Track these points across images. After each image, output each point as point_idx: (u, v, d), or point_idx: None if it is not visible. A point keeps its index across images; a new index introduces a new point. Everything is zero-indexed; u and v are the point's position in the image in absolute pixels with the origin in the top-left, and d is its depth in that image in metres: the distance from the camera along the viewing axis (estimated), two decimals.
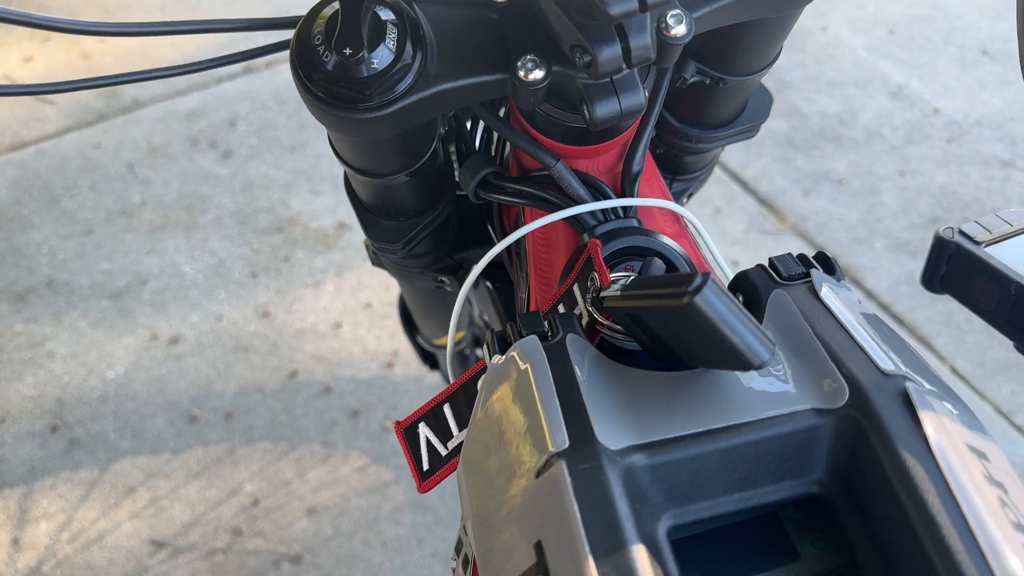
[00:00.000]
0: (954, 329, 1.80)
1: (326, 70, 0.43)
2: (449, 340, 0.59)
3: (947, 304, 1.83)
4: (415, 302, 0.92)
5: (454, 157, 0.63)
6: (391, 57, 0.43)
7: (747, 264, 1.94)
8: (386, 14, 0.43)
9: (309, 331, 1.77)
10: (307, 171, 2.05)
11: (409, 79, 0.43)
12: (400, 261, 0.67)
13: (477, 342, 1.28)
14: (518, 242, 0.59)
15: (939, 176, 2.11)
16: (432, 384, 1.69)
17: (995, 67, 2.40)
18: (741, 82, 0.57)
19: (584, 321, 0.47)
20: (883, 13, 2.58)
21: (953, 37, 2.49)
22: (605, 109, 0.44)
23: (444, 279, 0.72)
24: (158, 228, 1.95)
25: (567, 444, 0.36)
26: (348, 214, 1.97)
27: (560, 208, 0.52)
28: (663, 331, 0.39)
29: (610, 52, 0.40)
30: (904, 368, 0.38)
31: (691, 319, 0.35)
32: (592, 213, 0.51)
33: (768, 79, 2.40)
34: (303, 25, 0.44)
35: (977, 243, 0.64)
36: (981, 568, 0.31)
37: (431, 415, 0.54)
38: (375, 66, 0.42)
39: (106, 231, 1.94)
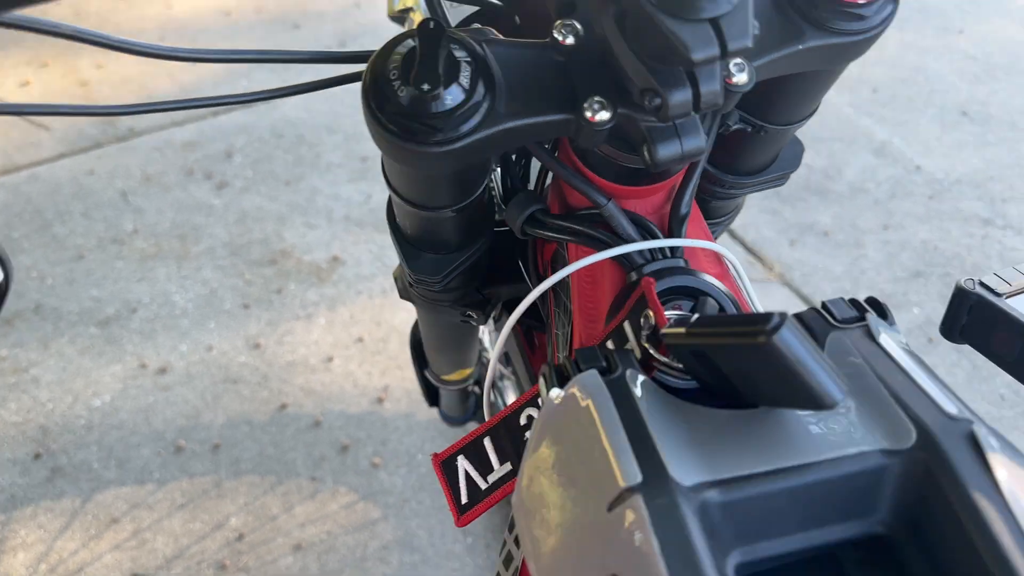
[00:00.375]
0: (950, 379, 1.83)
1: (399, 104, 0.44)
2: (489, 373, 0.59)
3: (942, 356, 1.87)
4: (434, 335, 0.92)
5: (493, 192, 0.65)
6: (463, 95, 0.44)
7: None
8: (460, 53, 0.45)
9: (300, 364, 1.76)
10: (302, 205, 2.06)
11: (478, 117, 0.44)
12: (432, 295, 0.68)
13: (477, 382, 1.28)
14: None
15: (921, 231, 2.16)
16: (423, 421, 1.69)
17: (974, 128, 2.48)
18: (781, 131, 0.59)
19: (636, 357, 0.48)
20: (867, 74, 2.65)
21: (934, 98, 2.57)
22: (667, 151, 0.45)
23: (472, 313, 0.73)
24: (149, 257, 1.94)
25: (640, 479, 0.37)
26: (341, 248, 1.97)
27: (609, 246, 0.53)
28: (730, 369, 0.40)
29: (681, 97, 0.41)
30: (967, 412, 0.39)
31: (768, 358, 0.36)
32: (640, 252, 0.53)
33: None
34: (378, 58, 0.45)
35: (998, 295, 0.66)
36: None
37: (471, 448, 0.54)
38: (448, 103, 0.43)
39: (97, 258, 1.93)
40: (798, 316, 0.46)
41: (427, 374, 1.21)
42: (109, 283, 1.88)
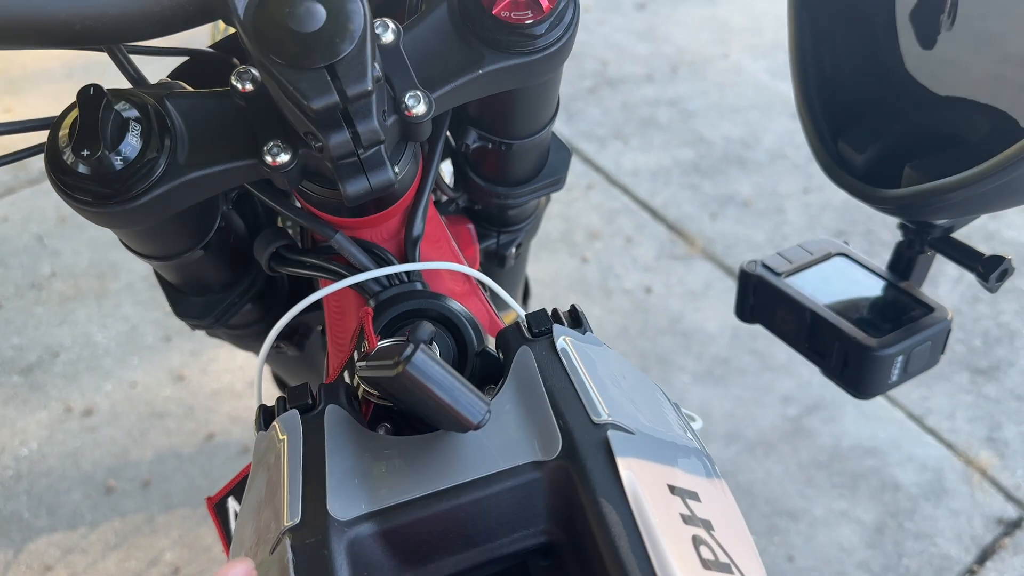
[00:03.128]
0: None
1: (75, 171, 0.44)
2: (256, 404, 0.60)
3: None
4: (279, 369, 0.93)
5: None
6: (135, 152, 0.44)
7: (660, 291, 1.98)
8: (130, 112, 0.45)
9: (225, 391, 1.76)
10: None
11: (158, 171, 0.45)
12: (230, 332, 0.68)
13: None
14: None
15: (841, 191, 2.17)
16: None
17: None
18: (525, 143, 0.59)
19: (360, 391, 0.49)
20: (781, 38, 2.65)
21: None
22: (355, 187, 0.46)
23: (280, 344, 0.73)
24: (69, 298, 1.94)
25: (299, 519, 0.38)
26: None
27: (345, 277, 0.53)
28: (401, 397, 0.41)
29: (338, 138, 0.42)
30: (616, 418, 0.40)
31: (407, 386, 0.37)
32: (376, 280, 0.53)
33: (671, 109, 2.46)
34: (53, 129, 0.46)
35: (777, 274, 0.67)
36: None
37: (239, 488, 0.55)
38: (118, 163, 0.44)
39: (15, 306, 1.92)
40: (503, 331, 0.47)
41: None
42: (30, 329, 1.88)
